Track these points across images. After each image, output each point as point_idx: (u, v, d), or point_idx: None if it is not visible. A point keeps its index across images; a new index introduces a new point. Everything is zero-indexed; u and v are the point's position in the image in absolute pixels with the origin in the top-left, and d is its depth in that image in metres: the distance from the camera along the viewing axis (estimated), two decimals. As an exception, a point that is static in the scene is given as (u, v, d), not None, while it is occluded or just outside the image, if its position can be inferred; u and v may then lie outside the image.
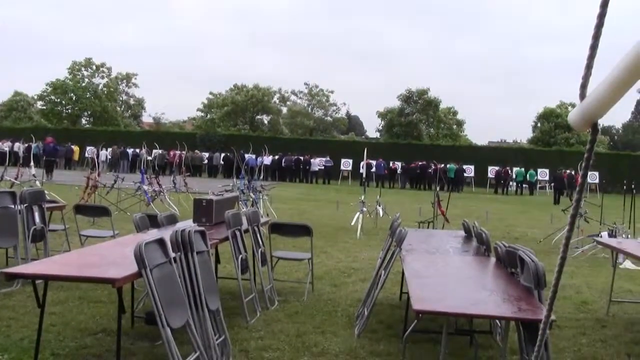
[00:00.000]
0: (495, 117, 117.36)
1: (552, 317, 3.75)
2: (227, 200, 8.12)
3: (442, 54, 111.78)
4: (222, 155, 40.69)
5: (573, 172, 33.90)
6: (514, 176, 39.02)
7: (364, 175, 17.89)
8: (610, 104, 1.08)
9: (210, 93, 62.97)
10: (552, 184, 35.02)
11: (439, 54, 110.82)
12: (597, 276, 10.33)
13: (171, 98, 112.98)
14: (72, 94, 58.33)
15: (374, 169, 37.95)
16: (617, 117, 76.16)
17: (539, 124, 55.58)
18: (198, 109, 63.74)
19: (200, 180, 33.03)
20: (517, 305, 4.25)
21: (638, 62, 0.97)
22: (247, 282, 7.08)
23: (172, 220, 7.32)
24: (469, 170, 39.50)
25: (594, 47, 1.09)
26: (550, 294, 1.29)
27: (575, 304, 8.20)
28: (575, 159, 32.99)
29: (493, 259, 6.18)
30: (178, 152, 33.33)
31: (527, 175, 38.83)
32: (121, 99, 64.62)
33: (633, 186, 13.88)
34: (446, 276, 5.56)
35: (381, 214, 15.56)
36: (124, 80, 63.99)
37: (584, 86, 1.12)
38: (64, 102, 58.89)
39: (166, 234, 5.12)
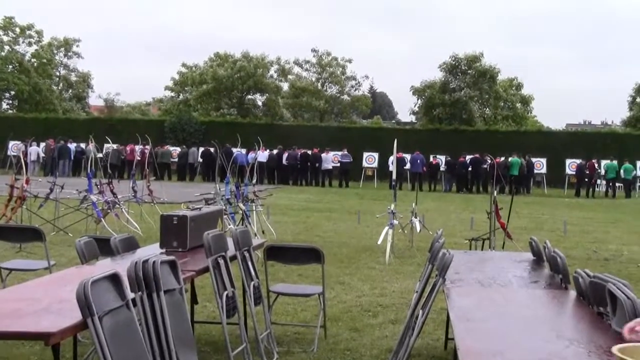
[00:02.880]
0: (576, 92, 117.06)
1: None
2: (206, 216, 8.13)
3: (499, 8, 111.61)
4: (201, 150, 40.81)
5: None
6: (602, 172, 38.90)
7: (394, 175, 17.84)
8: None
9: (183, 65, 63.41)
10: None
11: (494, 9, 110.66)
12: None
13: (129, 73, 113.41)
14: (-15, 67, 58.04)
15: (408, 166, 37.92)
16: None
17: (638, 99, 55.27)
18: (167, 87, 64.12)
19: (170, 185, 33.06)
20: (607, 361, 4.23)
21: None
22: (236, 327, 7.10)
23: (130, 245, 7.35)
24: (540, 165, 39.38)
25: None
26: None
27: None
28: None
29: (573, 294, 6.15)
30: (139, 147, 33.37)
31: (622, 171, 38.53)
32: (58, 73, 64.82)
33: None
34: (507, 318, 5.54)
35: (418, 229, 15.52)
36: (62, 49, 64.16)
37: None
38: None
39: (122, 265, 5.12)
